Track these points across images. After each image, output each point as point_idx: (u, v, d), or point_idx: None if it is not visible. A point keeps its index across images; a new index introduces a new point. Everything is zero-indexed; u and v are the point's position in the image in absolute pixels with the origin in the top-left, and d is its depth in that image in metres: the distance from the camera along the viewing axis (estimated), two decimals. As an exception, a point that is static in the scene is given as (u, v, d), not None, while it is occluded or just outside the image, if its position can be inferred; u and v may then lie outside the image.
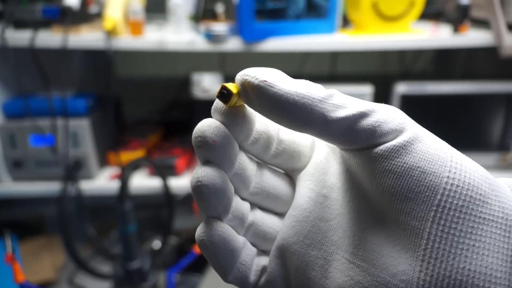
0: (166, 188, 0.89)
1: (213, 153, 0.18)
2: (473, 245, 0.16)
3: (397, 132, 0.17)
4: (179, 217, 1.06)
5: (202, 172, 0.18)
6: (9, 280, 0.61)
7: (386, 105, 0.18)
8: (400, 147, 0.17)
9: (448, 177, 0.16)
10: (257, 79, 0.17)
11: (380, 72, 1.24)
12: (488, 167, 0.84)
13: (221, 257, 0.19)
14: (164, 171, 0.90)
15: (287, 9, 0.86)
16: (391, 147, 0.17)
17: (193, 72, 0.95)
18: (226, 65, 1.18)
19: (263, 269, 0.21)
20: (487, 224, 0.16)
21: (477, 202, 0.16)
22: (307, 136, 0.22)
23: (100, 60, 1.14)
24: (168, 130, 1.17)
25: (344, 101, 0.17)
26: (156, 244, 1.06)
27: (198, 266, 1.04)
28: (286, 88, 0.17)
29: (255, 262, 0.21)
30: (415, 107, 0.97)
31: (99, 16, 0.93)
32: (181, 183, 0.95)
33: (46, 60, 0.87)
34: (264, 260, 0.21)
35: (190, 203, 1.04)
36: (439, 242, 0.16)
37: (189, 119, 1.13)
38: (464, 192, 0.16)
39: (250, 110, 0.20)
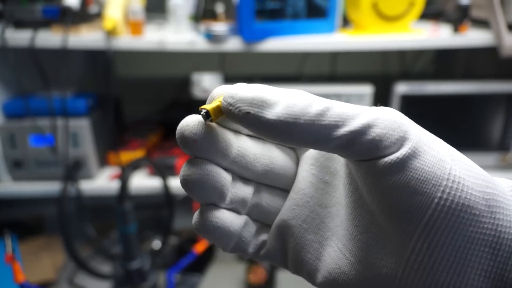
0: (166, 188, 0.89)
1: (196, 151, 0.19)
2: (457, 262, 0.16)
3: (394, 148, 0.16)
4: (179, 217, 1.05)
5: (187, 171, 0.19)
6: (9, 280, 0.61)
7: (385, 112, 0.17)
8: (393, 165, 0.16)
9: (440, 197, 0.16)
10: (240, 111, 0.16)
11: (380, 72, 1.24)
12: (488, 167, 0.84)
13: (217, 240, 0.20)
14: (164, 171, 0.90)
15: (287, 9, 0.86)
16: (384, 164, 0.16)
17: (193, 72, 0.95)
18: (226, 65, 1.18)
19: (263, 243, 0.22)
20: (475, 243, 0.16)
21: (468, 222, 0.16)
22: None
23: (100, 60, 1.14)
24: (168, 130, 1.17)
25: (339, 118, 0.16)
26: (156, 244, 1.06)
27: (198, 266, 1.04)
28: (272, 116, 0.16)
29: (256, 236, 0.22)
30: (415, 107, 0.97)
31: (99, 16, 0.93)
32: (181, 183, 0.95)
33: (46, 60, 0.87)
34: (265, 235, 0.22)
35: (190, 203, 1.04)
36: (422, 257, 0.16)
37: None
38: (456, 213, 0.16)
39: None
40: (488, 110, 0.99)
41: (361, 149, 0.16)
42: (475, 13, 0.94)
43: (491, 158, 1.01)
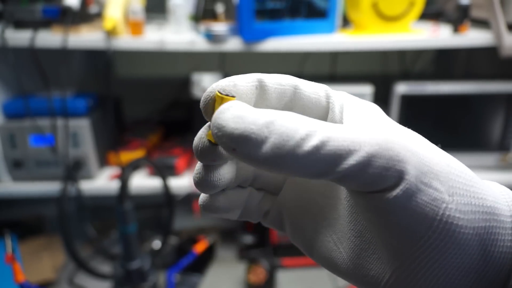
0: (166, 188, 0.89)
1: (213, 163, 0.19)
2: (440, 284, 0.17)
3: (387, 185, 0.16)
4: (179, 217, 1.06)
5: (202, 175, 0.19)
6: (9, 280, 0.61)
7: (384, 146, 0.16)
8: (383, 203, 0.16)
9: (429, 236, 0.16)
10: (226, 146, 0.16)
11: (380, 72, 1.24)
12: (488, 167, 0.84)
13: (223, 216, 0.22)
14: (164, 171, 0.90)
15: (287, 9, 0.86)
16: (376, 200, 0.16)
17: (193, 72, 0.95)
18: (226, 65, 1.18)
19: (267, 211, 0.23)
20: (462, 270, 0.17)
21: (456, 255, 0.16)
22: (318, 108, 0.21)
23: (100, 60, 1.14)
24: (168, 130, 1.17)
25: (331, 158, 0.15)
26: (156, 244, 1.06)
27: (198, 266, 1.04)
28: (259, 156, 0.15)
29: (260, 205, 0.23)
30: (415, 107, 0.97)
31: (99, 16, 0.93)
32: (181, 183, 0.95)
33: (46, 60, 0.87)
34: (269, 203, 0.23)
35: (190, 203, 1.04)
36: (409, 272, 0.17)
37: (189, 119, 1.13)
38: (444, 249, 0.16)
39: None
40: (488, 110, 0.99)
41: (354, 185, 0.16)
42: (475, 13, 0.94)
43: (491, 158, 1.01)
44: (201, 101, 0.19)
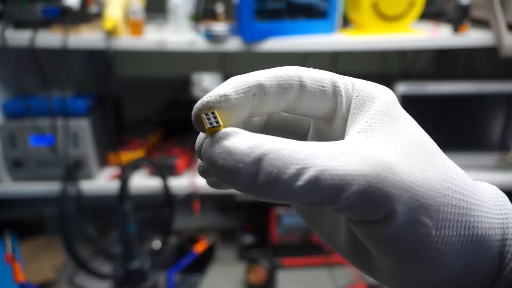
0: (166, 188, 0.89)
1: None
2: None
3: (376, 217, 0.16)
4: (179, 217, 1.05)
5: (202, 169, 0.20)
6: (9, 280, 0.61)
7: (377, 182, 0.15)
8: (372, 233, 0.17)
9: (411, 262, 0.17)
10: (217, 177, 0.16)
11: (380, 72, 1.24)
12: (488, 167, 0.83)
13: (229, 189, 0.22)
14: (164, 171, 0.90)
15: (287, 9, 0.86)
16: (365, 228, 0.17)
17: (193, 72, 0.95)
18: (226, 65, 1.18)
19: None
20: (444, 283, 0.17)
21: (438, 275, 0.17)
22: (324, 107, 0.20)
23: (100, 60, 1.14)
24: (168, 130, 1.17)
25: (324, 195, 0.15)
26: (156, 244, 1.06)
27: (198, 266, 1.04)
28: (249, 189, 0.15)
29: None
30: (415, 107, 0.97)
31: (99, 16, 0.93)
32: (181, 183, 0.95)
33: (46, 60, 0.87)
34: None
35: (190, 203, 1.04)
36: (394, 275, 0.18)
37: (189, 119, 1.12)
38: (426, 272, 0.17)
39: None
40: (488, 110, 0.99)
41: (343, 215, 0.17)
42: (475, 13, 0.94)
43: (491, 158, 1.01)
44: (192, 115, 0.18)
